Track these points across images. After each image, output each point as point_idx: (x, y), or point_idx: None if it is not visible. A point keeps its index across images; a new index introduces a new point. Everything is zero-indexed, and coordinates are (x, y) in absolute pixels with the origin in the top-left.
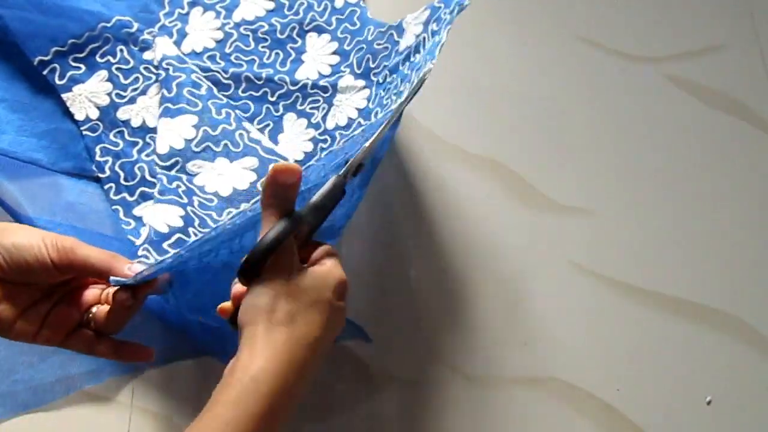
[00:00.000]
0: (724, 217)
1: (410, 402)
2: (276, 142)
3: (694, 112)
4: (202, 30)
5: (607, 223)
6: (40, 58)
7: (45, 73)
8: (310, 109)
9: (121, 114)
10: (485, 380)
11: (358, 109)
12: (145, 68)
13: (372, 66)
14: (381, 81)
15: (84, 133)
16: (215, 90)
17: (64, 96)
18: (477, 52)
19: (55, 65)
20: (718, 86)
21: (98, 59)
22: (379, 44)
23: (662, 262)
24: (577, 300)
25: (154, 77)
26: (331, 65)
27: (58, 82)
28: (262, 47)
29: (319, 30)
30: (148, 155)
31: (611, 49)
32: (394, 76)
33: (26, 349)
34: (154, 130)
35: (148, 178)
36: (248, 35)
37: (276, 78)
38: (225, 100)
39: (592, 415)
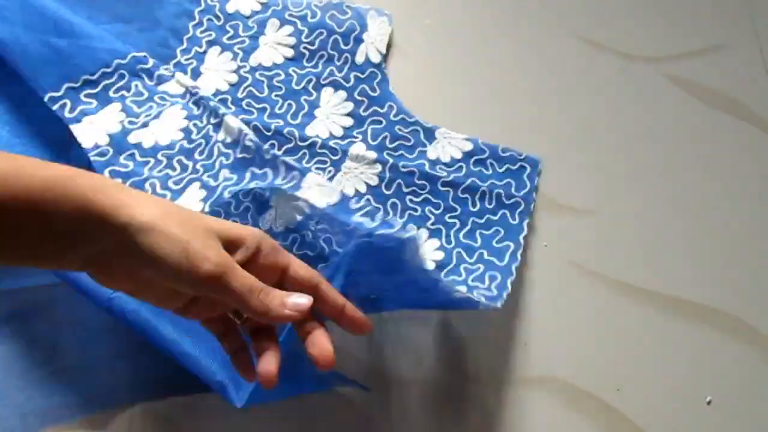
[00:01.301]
0: (724, 217)
1: (410, 402)
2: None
3: (694, 112)
4: (217, 71)
5: (607, 223)
6: (51, 94)
7: (54, 108)
8: (316, 169)
9: (133, 138)
10: (485, 380)
11: (368, 184)
12: (159, 97)
13: (388, 145)
14: (399, 167)
15: (93, 159)
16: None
17: (72, 127)
18: (476, 52)
19: (66, 101)
20: (718, 86)
21: (111, 94)
22: (401, 130)
23: (662, 262)
24: (577, 300)
25: (169, 102)
26: (343, 127)
27: (68, 115)
28: (276, 96)
29: (336, 86)
30: (159, 171)
31: (611, 49)
32: (424, 183)
33: (19, 374)
34: (167, 147)
35: (159, 191)
36: (263, 81)
37: (285, 131)
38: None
39: (592, 415)
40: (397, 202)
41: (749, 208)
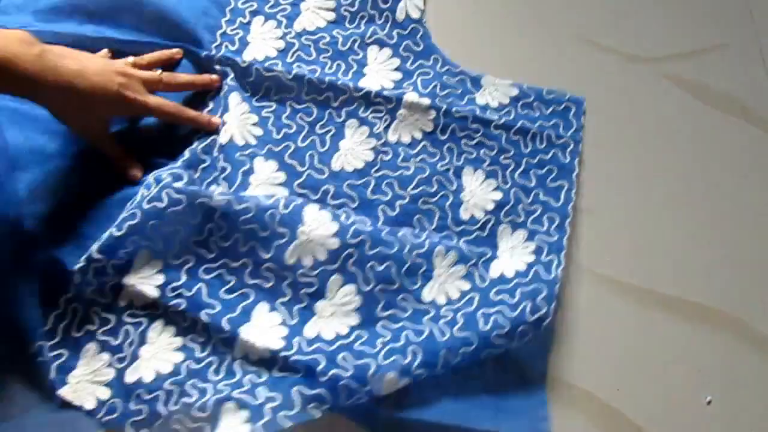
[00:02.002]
0: (724, 217)
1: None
2: (337, 149)
3: (694, 112)
4: (264, 39)
5: (606, 223)
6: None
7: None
8: (373, 118)
9: (129, 376)
10: None
11: (424, 131)
12: (130, 317)
13: (439, 93)
14: (452, 113)
15: (105, 420)
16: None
17: (62, 392)
18: (477, 52)
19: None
20: (718, 86)
21: (75, 333)
22: (448, 80)
23: (662, 262)
24: (577, 300)
25: (144, 320)
26: (394, 81)
27: (53, 375)
28: (324, 58)
29: (381, 43)
30: (176, 404)
31: (611, 49)
32: (477, 127)
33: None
34: (171, 374)
35: (189, 426)
36: (309, 45)
37: (339, 83)
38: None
39: (592, 415)
40: (453, 146)
41: (749, 208)
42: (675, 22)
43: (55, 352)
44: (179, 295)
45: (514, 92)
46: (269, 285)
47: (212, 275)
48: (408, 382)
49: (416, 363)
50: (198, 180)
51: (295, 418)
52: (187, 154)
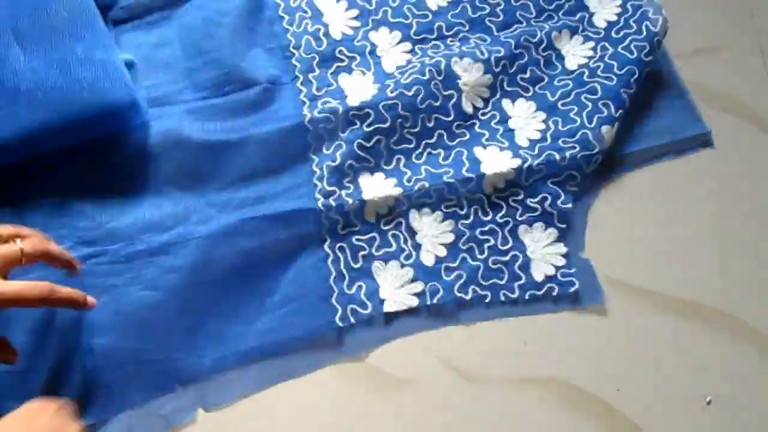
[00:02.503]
0: (724, 217)
1: (410, 402)
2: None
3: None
4: None
5: (607, 224)
6: None
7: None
8: None
9: (426, 260)
10: (485, 380)
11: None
12: (394, 227)
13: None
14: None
15: (434, 301)
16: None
17: (385, 309)
18: None
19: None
20: (718, 86)
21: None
22: None
23: (662, 262)
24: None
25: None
26: None
27: (368, 304)
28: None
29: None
30: None
31: None
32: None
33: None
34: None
35: None
36: None
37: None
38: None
39: (592, 415)
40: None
41: (749, 208)
42: (675, 22)
43: (355, 287)
44: (416, 181)
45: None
46: (468, 136)
47: (424, 158)
48: (618, 125)
49: (612, 109)
50: (331, 75)
51: (567, 200)
52: (297, 64)
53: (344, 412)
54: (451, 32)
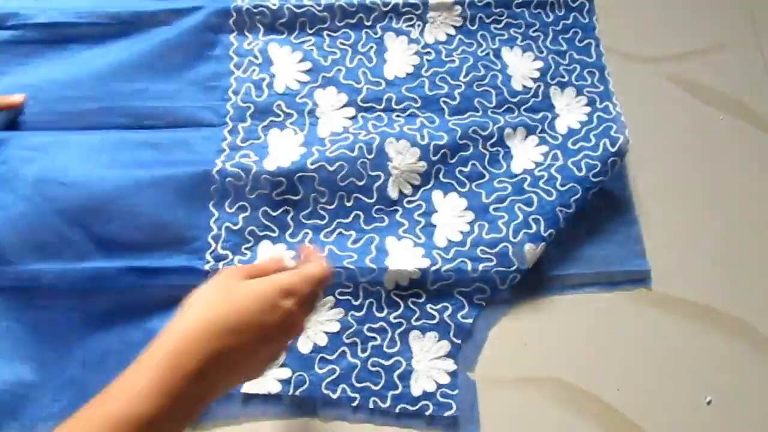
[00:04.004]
0: (724, 217)
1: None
2: (384, 60)
3: (694, 112)
4: None
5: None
6: None
7: None
8: (406, 26)
9: (303, 348)
10: (485, 380)
11: (455, 26)
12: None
13: None
14: (475, 3)
15: (297, 393)
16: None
17: (243, 390)
18: None
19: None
20: (718, 86)
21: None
22: None
23: (662, 262)
24: (577, 300)
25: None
26: None
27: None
28: None
29: None
30: None
31: (611, 49)
32: (501, 10)
33: None
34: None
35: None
36: None
37: (368, 2)
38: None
39: (592, 415)
40: (485, 33)
41: (749, 208)
42: (675, 22)
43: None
44: None
45: None
46: (386, 223)
47: (333, 237)
48: (544, 245)
49: (542, 227)
50: (262, 129)
51: (470, 314)
52: (231, 110)
53: None
54: (400, 106)
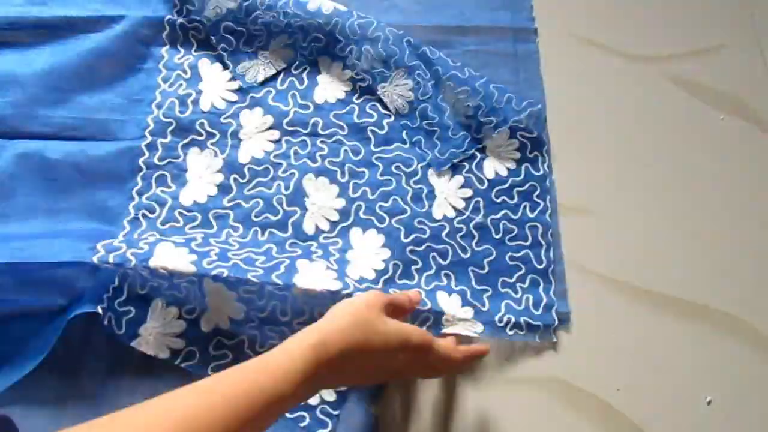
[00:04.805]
0: (724, 217)
1: (410, 402)
2: (316, 83)
3: (694, 112)
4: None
5: (606, 223)
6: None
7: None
8: (342, 54)
9: (205, 326)
10: (485, 380)
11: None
12: (187, 282)
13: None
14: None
15: (183, 365)
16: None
17: (133, 344)
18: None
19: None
20: (718, 86)
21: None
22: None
23: (662, 262)
24: (577, 299)
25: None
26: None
27: (123, 329)
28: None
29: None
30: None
31: (611, 49)
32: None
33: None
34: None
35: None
36: None
37: (303, 24)
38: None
39: (592, 415)
40: (420, 63)
41: (749, 208)
42: (675, 22)
43: (124, 308)
44: (217, 266)
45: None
46: (299, 253)
47: (242, 257)
48: (457, 298)
49: (453, 282)
50: (182, 147)
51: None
52: (151, 124)
53: None
54: (326, 132)
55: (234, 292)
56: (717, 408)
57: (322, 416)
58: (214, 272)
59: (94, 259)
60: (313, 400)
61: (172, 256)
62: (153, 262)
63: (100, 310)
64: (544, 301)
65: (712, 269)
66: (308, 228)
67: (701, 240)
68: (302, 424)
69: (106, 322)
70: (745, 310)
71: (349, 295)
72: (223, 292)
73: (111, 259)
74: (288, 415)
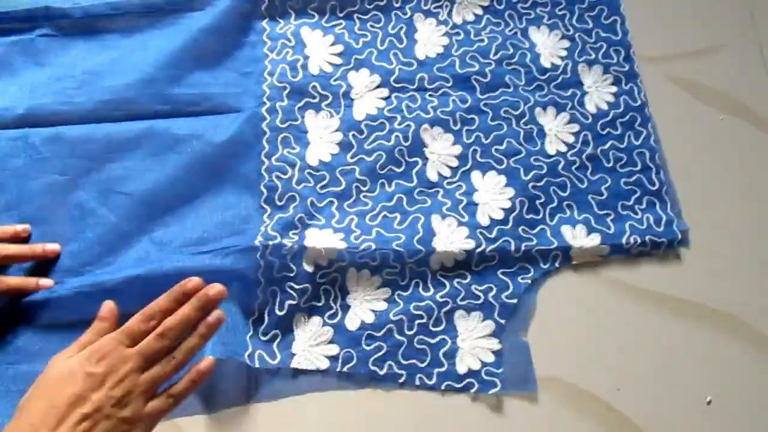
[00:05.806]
0: (724, 217)
1: (411, 402)
2: (415, 41)
3: (694, 112)
4: None
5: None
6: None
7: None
8: (435, 8)
9: (350, 325)
10: None
11: (482, 6)
12: (328, 282)
13: None
14: None
15: (345, 369)
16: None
17: (293, 365)
18: None
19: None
20: (718, 86)
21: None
22: None
23: (662, 262)
24: (577, 300)
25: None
26: None
27: (278, 357)
28: None
29: None
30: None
31: None
32: None
33: None
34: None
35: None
36: None
37: None
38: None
39: (592, 415)
40: (512, 12)
41: (749, 208)
42: (675, 22)
43: (271, 334)
44: (364, 240)
45: None
46: (428, 203)
47: (378, 220)
48: (582, 228)
49: (576, 212)
50: (298, 110)
51: (514, 294)
52: (267, 90)
53: None
54: (432, 85)
55: (378, 276)
56: (717, 408)
57: (488, 377)
58: (363, 246)
59: (257, 242)
60: (475, 365)
61: (322, 237)
62: (308, 243)
63: (246, 359)
64: (664, 219)
65: (712, 269)
66: (432, 176)
67: (701, 239)
68: (473, 390)
69: (257, 364)
70: (745, 310)
71: (483, 252)
72: (367, 279)
73: (271, 243)
74: (455, 384)
